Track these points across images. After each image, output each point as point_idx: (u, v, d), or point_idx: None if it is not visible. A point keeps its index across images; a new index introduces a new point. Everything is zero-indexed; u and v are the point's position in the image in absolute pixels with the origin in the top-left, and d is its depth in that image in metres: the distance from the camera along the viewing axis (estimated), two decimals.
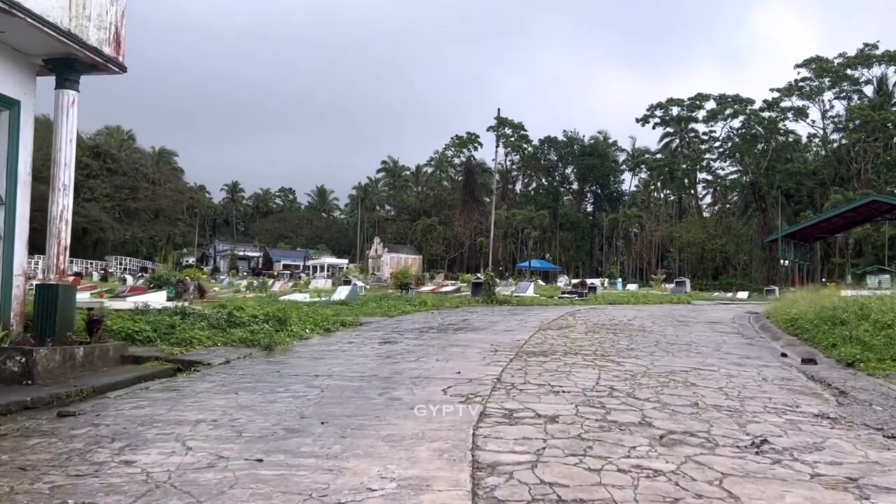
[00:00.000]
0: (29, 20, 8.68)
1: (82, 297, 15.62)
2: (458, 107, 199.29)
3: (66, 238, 10.18)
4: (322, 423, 6.16)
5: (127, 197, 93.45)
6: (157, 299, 14.04)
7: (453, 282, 39.82)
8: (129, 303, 13.65)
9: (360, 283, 30.80)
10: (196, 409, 6.87)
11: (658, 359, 10.84)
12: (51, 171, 10.15)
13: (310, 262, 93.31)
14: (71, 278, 10.13)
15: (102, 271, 53.64)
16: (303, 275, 65.10)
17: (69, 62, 9.98)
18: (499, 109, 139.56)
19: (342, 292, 23.50)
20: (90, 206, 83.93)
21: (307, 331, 13.92)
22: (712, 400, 7.47)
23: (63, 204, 10.12)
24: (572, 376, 8.87)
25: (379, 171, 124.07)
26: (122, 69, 10.73)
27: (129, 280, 37.54)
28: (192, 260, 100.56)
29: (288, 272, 60.30)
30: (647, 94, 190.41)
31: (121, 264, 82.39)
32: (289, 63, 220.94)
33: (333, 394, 7.68)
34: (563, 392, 7.73)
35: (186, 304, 14.23)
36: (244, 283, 33.97)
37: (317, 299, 22.94)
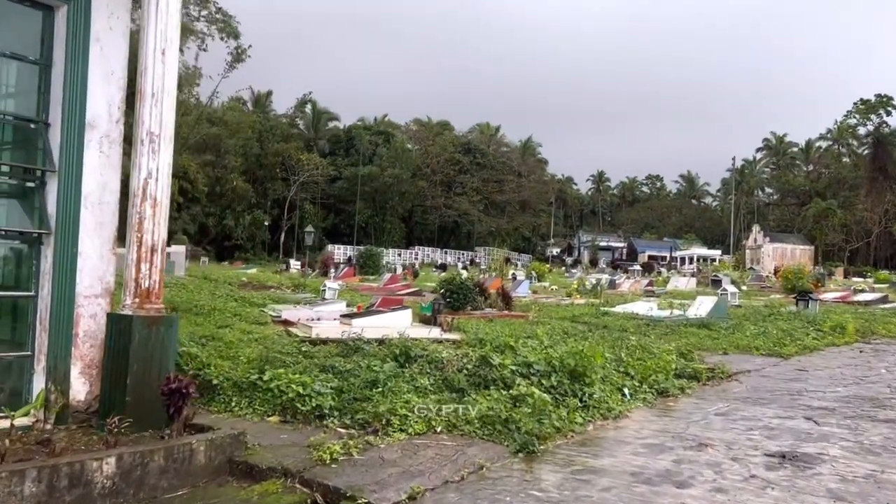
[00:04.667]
0: None
1: (328, 308, 11.62)
2: (861, 68, 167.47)
3: (157, 230, 5.64)
4: None
5: (494, 190, 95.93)
6: (397, 322, 9.30)
7: (868, 284, 28.84)
8: (358, 327, 9.08)
9: (731, 288, 22.96)
10: None
11: None
12: (135, 107, 5.72)
13: (677, 254, 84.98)
14: (161, 307, 5.63)
15: (410, 266, 52.64)
16: (662, 270, 57.47)
17: None
18: None
19: (702, 306, 16.47)
20: (461, 199, 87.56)
21: (622, 397, 7.73)
22: None
23: (149, 169, 5.59)
24: None
25: (758, 150, 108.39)
26: None
27: (464, 273, 34.94)
28: (556, 251, 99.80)
29: (639, 268, 53.30)
30: None
31: (488, 255, 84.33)
32: (648, 50, 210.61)
33: None
34: None
35: (441, 332, 9.13)
36: (575, 282, 28.55)
37: (665, 314, 16.34)
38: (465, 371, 7.21)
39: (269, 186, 72.88)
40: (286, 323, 10.69)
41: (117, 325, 5.53)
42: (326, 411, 6.25)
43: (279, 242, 69.95)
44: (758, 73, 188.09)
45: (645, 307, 17.47)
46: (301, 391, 6.39)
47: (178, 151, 42.28)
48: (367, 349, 7.77)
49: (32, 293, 5.58)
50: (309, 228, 23.91)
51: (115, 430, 4.85)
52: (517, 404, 6.61)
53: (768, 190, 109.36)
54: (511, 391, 6.85)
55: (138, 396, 5.38)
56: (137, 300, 5.54)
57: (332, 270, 30.42)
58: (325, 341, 8.32)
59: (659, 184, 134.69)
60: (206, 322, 9.51)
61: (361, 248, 57.02)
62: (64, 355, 5.60)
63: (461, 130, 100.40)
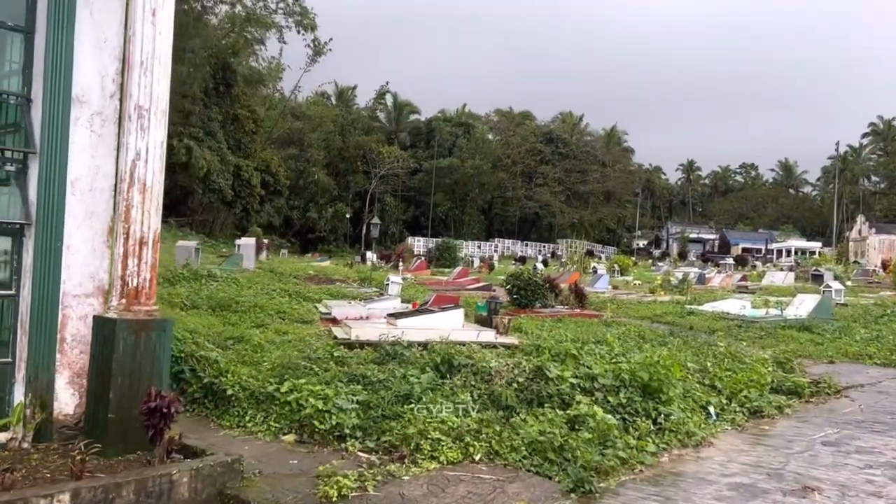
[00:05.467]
0: None
1: (381, 306, 10.77)
2: None
3: (147, 220, 4.88)
4: None
5: (576, 180, 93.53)
6: (447, 323, 8.20)
7: None
8: (407, 327, 8.13)
9: (835, 284, 20.77)
10: None
11: None
12: (122, 79, 4.98)
13: (773, 246, 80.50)
14: (153, 309, 4.85)
15: (488, 259, 50.98)
16: (757, 263, 54.05)
17: None
18: None
19: (803, 305, 14.66)
20: (542, 190, 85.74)
21: (706, 418, 6.52)
22: None
23: (137, 149, 4.83)
24: None
25: (864, 135, 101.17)
26: None
27: (539, 266, 33.48)
28: (642, 243, 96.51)
29: (731, 262, 50.05)
30: None
31: (569, 247, 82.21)
32: (742, 31, 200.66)
33: None
34: None
35: (495, 335, 8.10)
36: (660, 276, 26.59)
37: (760, 313, 14.64)
38: (515, 384, 6.17)
39: (351, 179, 73.35)
40: (333, 321, 9.92)
41: (101, 331, 4.82)
42: (348, 431, 5.35)
43: (360, 235, 70.33)
44: (864, 54, 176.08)
45: (737, 305, 15.81)
46: (321, 406, 5.52)
47: (262, 146, 42.81)
48: (406, 355, 6.84)
49: (12, 292, 4.92)
50: (375, 220, 23.24)
51: (81, 456, 4.10)
52: (575, 427, 5.54)
53: (875, 178, 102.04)
54: (569, 410, 5.77)
55: (124, 413, 4.65)
56: (124, 301, 4.80)
57: (401, 263, 29.74)
58: (363, 344, 7.44)
59: (754, 172, 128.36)
60: (241, 321, 8.85)
61: (438, 240, 56.48)
62: (47, 363, 4.92)
63: (543, 120, 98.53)
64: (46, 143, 4.88)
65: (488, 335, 8.03)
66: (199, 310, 9.20)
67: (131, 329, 4.73)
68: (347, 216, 69.09)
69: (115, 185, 5.04)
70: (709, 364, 8.19)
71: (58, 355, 5.01)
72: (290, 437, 5.47)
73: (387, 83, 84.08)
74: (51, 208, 4.91)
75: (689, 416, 6.39)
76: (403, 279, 19.71)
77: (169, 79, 5.00)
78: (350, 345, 7.50)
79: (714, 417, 6.75)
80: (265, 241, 35.86)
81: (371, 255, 31.90)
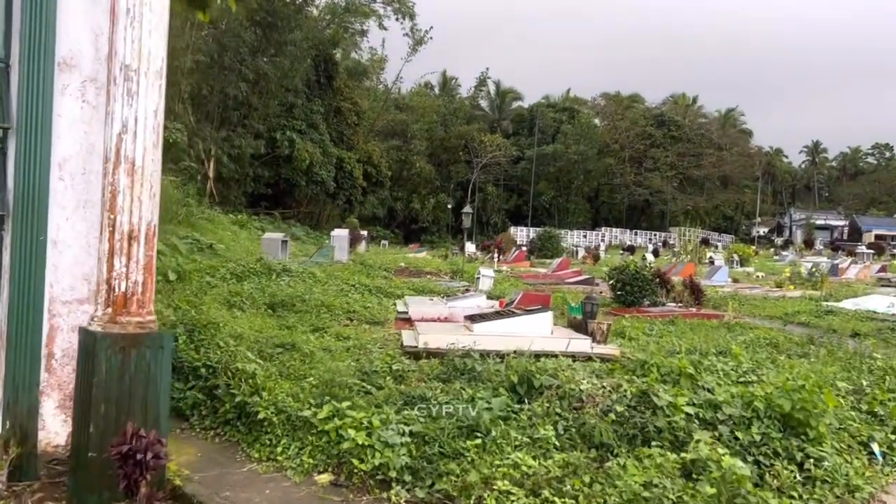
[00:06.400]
0: None
1: (464, 304, 9.56)
2: None
3: (137, 209, 3.92)
4: None
5: (690, 165, 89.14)
6: (532, 329, 6.81)
7: None
8: (497, 336, 6.84)
9: None
10: None
11: None
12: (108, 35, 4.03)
13: None
14: (148, 321, 3.88)
15: (588, 250, 47.79)
16: None
17: None
18: None
19: None
20: (653, 175, 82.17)
21: (868, 459, 4.93)
22: None
23: (123, 120, 3.87)
24: None
25: None
26: None
27: (650, 257, 31.16)
28: (762, 231, 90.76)
29: (867, 251, 45.14)
30: None
31: (682, 236, 78.36)
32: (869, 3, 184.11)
33: None
34: None
35: (591, 344, 6.75)
36: (787, 267, 23.79)
37: None
38: (612, 414, 4.82)
39: (453, 169, 72.87)
40: (408, 323, 8.84)
41: (84, 346, 3.90)
42: (394, 474, 4.21)
43: (461, 225, 69.73)
44: None
45: (884, 303, 13.51)
46: (363, 440, 4.41)
47: (364, 137, 42.77)
48: (478, 370, 5.61)
49: None
50: (467, 209, 22.02)
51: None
52: (693, 477, 4.16)
53: None
54: (684, 453, 4.38)
55: (103, 451, 3.71)
56: (109, 311, 3.85)
57: (496, 254, 28.38)
58: (431, 353, 6.30)
59: (888, 153, 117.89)
60: (299, 323, 7.88)
61: (540, 229, 54.88)
62: (29, 383, 4.08)
63: (653, 102, 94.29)
64: (25, 116, 4.02)
65: (582, 344, 6.66)
66: (257, 309, 8.37)
67: (117, 346, 3.78)
68: (449, 206, 68.76)
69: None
70: (864, 382, 6.50)
71: (44, 374, 4.16)
72: (325, 478, 4.40)
73: (486, 69, 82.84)
74: (32, 195, 4.05)
75: (846, 460, 4.84)
76: (498, 272, 18.47)
77: (165, 33, 4.01)
78: (416, 354, 6.37)
79: (880, 459, 5.14)
80: (363, 232, 35.50)
81: (470, 246, 30.82)
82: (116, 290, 3.85)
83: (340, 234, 20.97)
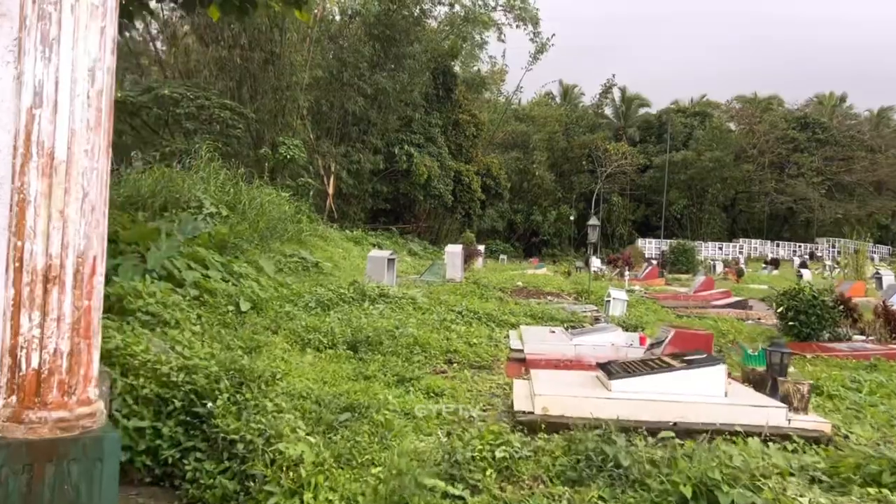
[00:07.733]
0: None
1: (594, 340, 7.57)
2: None
3: (62, 232, 2.36)
4: None
5: (839, 169, 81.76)
6: (696, 388, 4.72)
7: None
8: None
9: None
10: None
11: None
12: None
13: None
14: (82, 413, 2.36)
15: (734, 264, 42.83)
16: None
17: None
18: None
19: None
20: (796, 182, 75.99)
21: None
22: None
23: (36, 83, 2.33)
24: None
25: None
26: None
27: (805, 272, 27.29)
28: None
29: None
30: None
31: (832, 247, 71.52)
32: None
33: None
34: None
35: (786, 413, 4.67)
36: None
37: None
38: None
39: (575, 179, 70.39)
40: (524, 365, 6.97)
41: None
42: None
43: (584, 238, 66.96)
44: None
45: None
46: None
47: (483, 150, 41.56)
48: (625, 465, 3.71)
49: None
50: (593, 221, 19.84)
51: None
52: None
53: None
54: None
55: None
56: (12, 401, 2.33)
57: (627, 270, 25.64)
58: (550, 424, 4.44)
59: None
60: (383, 368, 6.11)
61: (672, 242, 51.28)
62: None
63: (794, 104, 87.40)
64: None
65: (774, 415, 4.56)
66: (335, 349, 6.80)
67: (20, 459, 2.26)
68: (571, 218, 66.32)
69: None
70: None
71: None
72: None
73: (613, 76, 79.77)
74: None
75: None
76: (630, 291, 16.20)
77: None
78: (532, 425, 4.55)
79: None
80: (480, 247, 33.88)
81: (595, 261, 28.42)
82: (23, 366, 2.33)
83: (453, 251, 19.46)
